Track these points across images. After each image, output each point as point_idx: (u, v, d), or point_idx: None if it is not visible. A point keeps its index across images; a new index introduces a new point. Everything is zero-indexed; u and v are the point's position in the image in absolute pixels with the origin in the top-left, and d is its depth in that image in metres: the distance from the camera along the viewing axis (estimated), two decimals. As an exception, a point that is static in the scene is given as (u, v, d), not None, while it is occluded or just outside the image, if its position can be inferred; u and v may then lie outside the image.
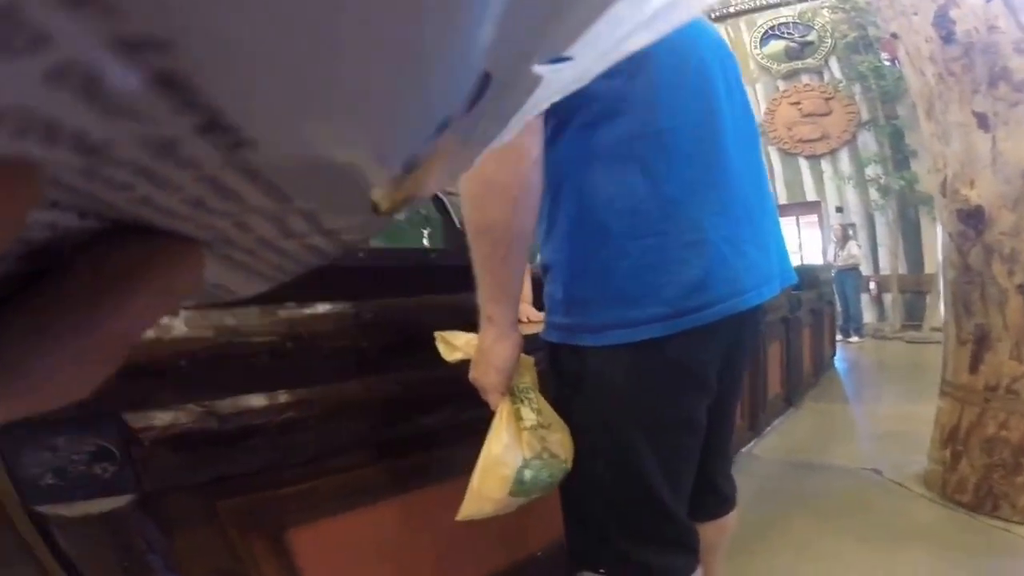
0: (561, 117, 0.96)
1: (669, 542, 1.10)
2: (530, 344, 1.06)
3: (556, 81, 0.17)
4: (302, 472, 1.16)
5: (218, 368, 1.02)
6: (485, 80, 0.13)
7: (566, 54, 0.16)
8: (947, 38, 2.14)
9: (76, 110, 0.09)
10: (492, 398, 1.02)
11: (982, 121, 2.07)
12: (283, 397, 1.09)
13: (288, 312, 1.11)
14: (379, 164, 0.13)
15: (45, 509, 0.90)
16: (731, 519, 1.38)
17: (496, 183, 0.91)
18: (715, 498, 1.34)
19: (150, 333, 0.94)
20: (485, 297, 0.98)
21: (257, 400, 1.06)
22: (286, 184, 0.13)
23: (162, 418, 0.96)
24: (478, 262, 0.97)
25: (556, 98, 0.20)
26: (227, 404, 1.03)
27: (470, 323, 1.10)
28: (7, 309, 0.12)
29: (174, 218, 0.13)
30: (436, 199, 2.06)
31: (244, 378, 1.06)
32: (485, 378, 1.01)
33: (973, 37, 2.09)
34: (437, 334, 1.09)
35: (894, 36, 2.36)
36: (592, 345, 0.99)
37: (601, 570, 1.12)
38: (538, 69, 0.15)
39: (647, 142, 0.94)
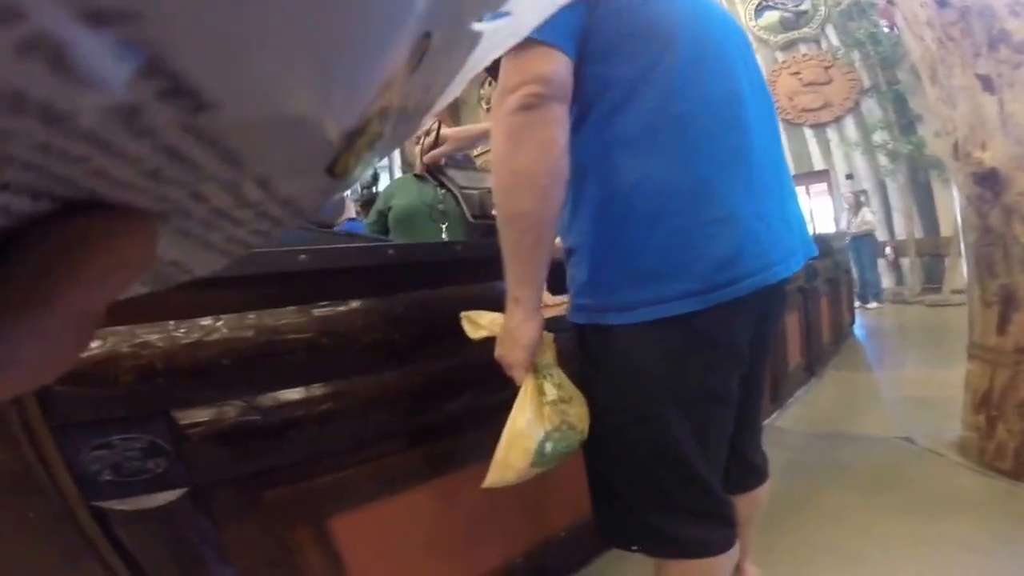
0: (583, 105, 0.97)
1: (705, 515, 1.11)
2: (550, 325, 1.08)
3: (495, 37, 0.17)
4: (340, 461, 1.21)
5: (258, 366, 1.06)
6: (426, 39, 0.14)
7: (504, 10, 0.16)
8: (942, 2, 2.10)
9: (44, 81, 0.09)
10: (517, 374, 1.05)
11: (987, 84, 2.03)
12: (319, 390, 1.13)
13: (322, 310, 1.15)
14: (333, 120, 0.13)
15: (105, 505, 0.93)
16: (764, 491, 1.40)
17: (526, 174, 0.93)
18: (747, 470, 1.35)
19: (193, 335, 0.98)
20: (514, 281, 1.01)
21: (295, 394, 1.10)
22: (242, 148, 0.13)
23: (208, 414, 1.00)
24: (508, 248, 0.99)
25: (496, 54, 0.20)
26: (268, 399, 1.07)
27: (493, 309, 1.14)
28: None
29: (129, 190, 0.12)
30: (452, 196, 2.10)
31: (283, 374, 1.10)
32: (511, 356, 1.04)
33: (967, 0, 2.06)
34: (463, 314, 1.12)
35: (891, 2, 2.33)
36: (621, 324, 1.00)
37: (634, 547, 1.15)
38: (477, 26, 0.15)
39: (670, 125, 0.95)
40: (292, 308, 1.11)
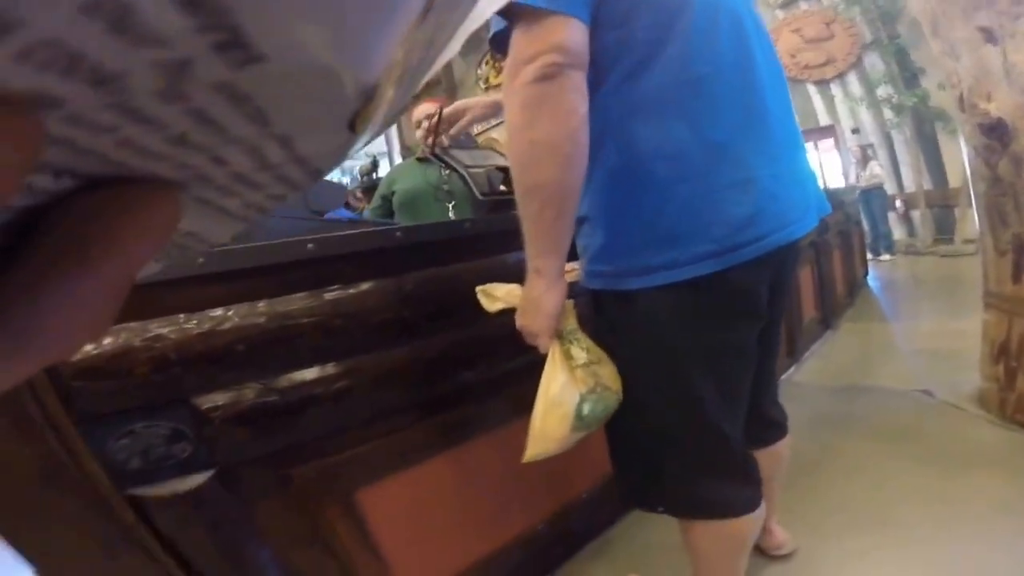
0: (597, 71, 0.96)
1: (730, 474, 1.14)
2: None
3: None
4: (361, 436, 1.23)
5: (273, 349, 1.07)
6: None
7: None
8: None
9: (102, 42, 0.09)
10: (543, 342, 1.06)
11: (988, 35, 2.00)
12: (333, 368, 1.15)
13: (334, 294, 1.16)
14: (358, 73, 0.13)
15: (139, 491, 0.96)
16: (785, 446, 1.43)
17: (546, 144, 0.92)
18: (766, 425, 1.38)
19: (204, 326, 0.99)
20: (535, 252, 1.00)
21: (311, 373, 1.12)
22: (271, 105, 0.13)
23: (226, 397, 1.02)
24: (528, 220, 0.98)
25: (497, 6, 0.20)
26: (284, 379, 1.09)
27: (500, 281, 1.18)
28: None
29: (153, 159, 0.12)
30: (459, 175, 2.11)
31: (299, 355, 1.12)
32: (535, 324, 1.04)
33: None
34: (478, 288, 1.11)
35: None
36: (641, 288, 1.01)
37: (660, 508, 1.18)
38: None
39: (687, 89, 0.95)
40: (303, 293, 1.13)
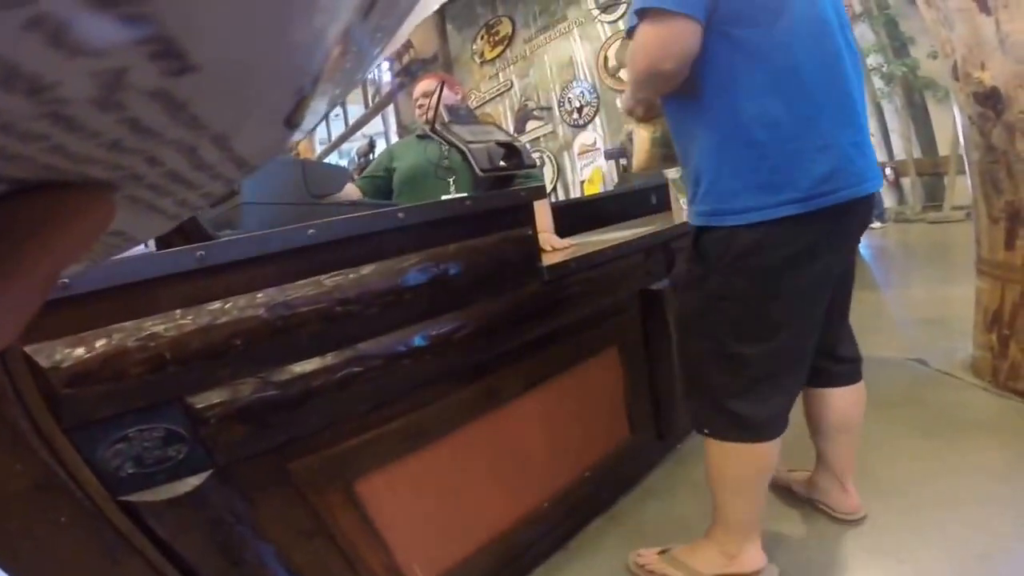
0: (712, 60, 1.19)
1: (782, 397, 1.34)
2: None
3: None
4: (361, 424, 1.20)
5: (273, 341, 1.04)
6: None
7: None
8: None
9: (40, 56, 0.09)
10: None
11: (982, 4, 1.97)
12: (334, 357, 1.12)
13: (335, 280, 1.12)
14: (295, 73, 0.13)
15: (133, 498, 0.93)
16: (862, 390, 1.58)
17: (663, 74, 1.20)
18: (837, 360, 1.55)
19: (203, 320, 0.96)
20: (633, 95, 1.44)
21: (310, 364, 1.09)
22: (205, 110, 0.12)
23: (223, 394, 0.99)
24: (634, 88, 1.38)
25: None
26: (283, 372, 1.06)
27: (503, 261, 1.35)
28: None
29: (85, 163, 0.12)
30: (459, 151, 2.08)
31: (300, 346, 1.09)
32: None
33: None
34: None
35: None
36: (736, 224, 1.23)
37: (706, 430, 1.38)
38: None
39: (785, 75, 1.17)
40: (303, 280, 1.09)
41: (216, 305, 0.99)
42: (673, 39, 1.15)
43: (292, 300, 1.06)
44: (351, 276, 1.15)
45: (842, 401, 1.55)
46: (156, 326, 0.92)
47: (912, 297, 3.89)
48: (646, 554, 1.58)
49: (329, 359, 1.11)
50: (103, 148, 0.12)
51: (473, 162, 2.07)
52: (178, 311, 0.95)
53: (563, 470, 1.72)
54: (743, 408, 1.31)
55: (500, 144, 2.09)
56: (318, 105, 0.16)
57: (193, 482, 0.97)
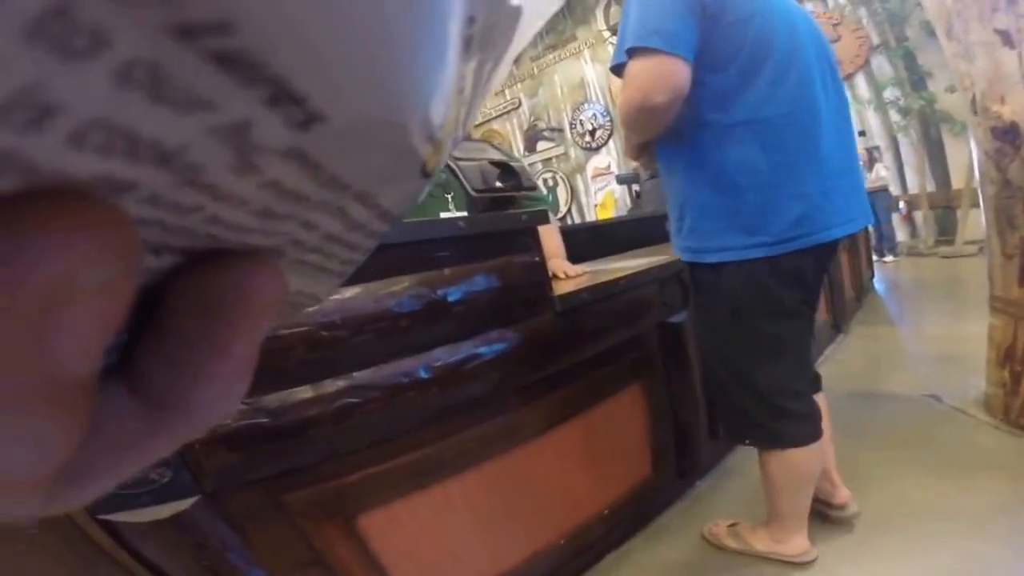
0: (694, 104, 1.29)
1: (796, 411, 1.47)
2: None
3: (534, 9, 0.17)
4: (363, 459, 1.15)
5: (262, 366, 0.99)
6: (471, 24, 0.13)
7: None
8: (962, -45, 2.02)
9: (149, 112, 0.08)
10: None
11: (1006, 38, 1.95)
12: (327, 386, 1.07)
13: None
14: (426, 119, 0.13)
15: (113, 518, 0.90)
16: (823, 398, 1.70)
17: (656, 108, 1.25)
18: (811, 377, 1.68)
19: None
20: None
21: (302, 393, 1.04)
22: (346, 167, 0.12)
23: None
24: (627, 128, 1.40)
25: (538, 26, 0.19)
26: (272, 400, 1.01)
27: (509, 288, 1.33)
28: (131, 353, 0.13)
29: (244, 232, 0.13)
30: (449, 168, 2.04)
31: (288, 373, 1.04)
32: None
33: (990, -47, 1.96)
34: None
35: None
36: (717, 261, 1.37)
37: (747, 440, 1.58)
38: (515, 1, 0.15)
39: (762, 125, 1.28)
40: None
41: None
42: (665, 74, 1.21)
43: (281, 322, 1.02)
44: (331, 298, 1.10)
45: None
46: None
47: (926, 333, 3.87)
48: (719, 524, 1.83)
49: (323, 388, 1.07)
50: (256, 216, 0.12)
51: (464, 181, 2.03)
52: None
53: (581, 509, 1.67)
54: (767, 420, 1.48)
55: (494, 163, 2.05)
56: (446, 150, 0.16)
57: (179, 506, 0.94)
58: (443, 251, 1.28)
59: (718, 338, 1.49)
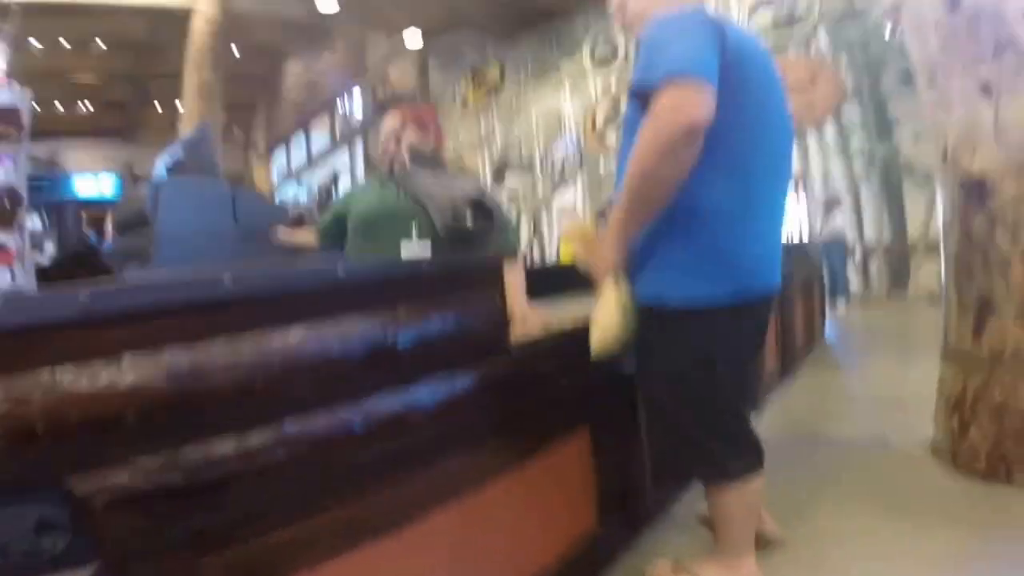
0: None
1: (744, 446, 1.54)
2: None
3: None
4: (294, 516, 1.00)
5: (177, 414, 0.86)
6: None
7: None
8: (952, 5, 2.06)
9: None
10: (603, 276, 1.44)
11: (985, 90, 1.98)
12: (253, 438, 0.93)
13: (255, 341, 0.94)
14: None
15: None
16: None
17: (665, 182, 1.29)
18: None
19: (84, 383, 0.78)
20: (623, 222, 1.38)
21: (224, 446, 0.90)
22: None
23: (111, 478, 0.79)
24: (631, 200, 1.35)
25: None
26: (190, 451, 0.86)
27: (470, 333, 1.28)
28: None
29: None
30: (419, 205, 1.97)
31: (211, 422, 0.90)
32: (604, 263, 1.43)
33: (980, 5, 2.00)
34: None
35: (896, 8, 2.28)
36: (678, 307, 1.42)
37: (698, 477, 1.65)
38: None
39: (738, 172, 1.38)
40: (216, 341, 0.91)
41: (103, 364, 0.80)
42: (706, 97, 1.20)
43: (201, 363, 0.88)
44: (276, 339, 0.97)
45: None
46: (25, 387, 0.74)
47: (874, 379, 3.98)
48: (663, 565, 1.75)
49: (247, 440, 0.92)
50: None
51: (435, 218, 1.92)
52: (54, 369, 0.77)
53: (528, 561, 1.52)
54: (720, 455, 1.51)
55: (468, 200, 1.94)
56: None
57: (76, 576, 0.79)
58: (399, 291, 1.18)
59: (673, 376, 1.49)
